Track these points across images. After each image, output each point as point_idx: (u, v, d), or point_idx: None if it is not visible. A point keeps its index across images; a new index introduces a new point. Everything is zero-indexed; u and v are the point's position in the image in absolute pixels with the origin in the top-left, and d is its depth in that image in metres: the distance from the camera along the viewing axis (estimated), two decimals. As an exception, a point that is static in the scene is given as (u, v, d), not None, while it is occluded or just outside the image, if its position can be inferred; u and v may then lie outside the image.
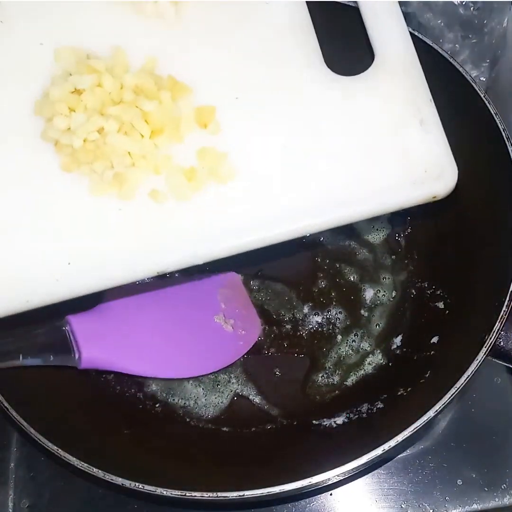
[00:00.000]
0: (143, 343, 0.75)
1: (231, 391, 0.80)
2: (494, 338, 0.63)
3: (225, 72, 0.61)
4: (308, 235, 0.57)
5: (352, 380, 0.80)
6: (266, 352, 0.82)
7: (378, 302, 0.84)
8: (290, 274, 0.87)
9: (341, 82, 0.63)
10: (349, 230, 0.89)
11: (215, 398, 0.80)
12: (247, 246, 0.56)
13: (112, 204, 0.56)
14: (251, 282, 0.86)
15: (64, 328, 0.69)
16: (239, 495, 0.59)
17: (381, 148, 0.59)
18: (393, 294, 0.85)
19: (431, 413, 0.61)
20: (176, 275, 0.85)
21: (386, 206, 0.59)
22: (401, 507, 0.76)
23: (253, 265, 0.87)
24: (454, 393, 0.61)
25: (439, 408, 0.61)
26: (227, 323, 0.80)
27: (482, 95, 0.74)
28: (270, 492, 0.59)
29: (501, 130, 0.72)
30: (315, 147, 0.59)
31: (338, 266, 0.87)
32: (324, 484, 0.63)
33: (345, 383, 0.80)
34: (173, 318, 0.78)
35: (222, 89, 0.61)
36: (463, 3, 0.89)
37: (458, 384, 0.61)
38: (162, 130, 0.58)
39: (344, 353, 0.82)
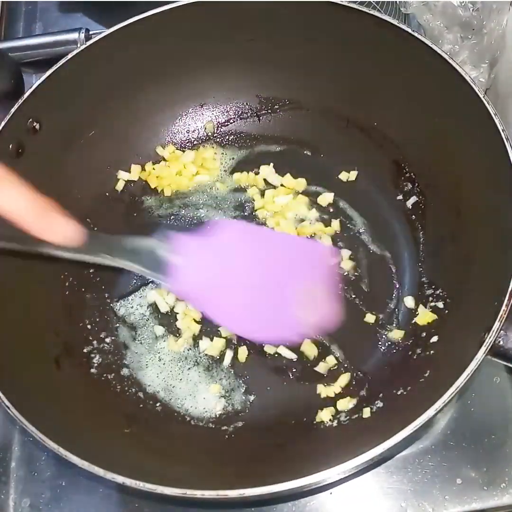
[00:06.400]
0: (233, 287, 0.73)
1: (232, 391, 0.81)
2: (494, 337, 0.63)
3: None
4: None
5: (353, 379, 0.80)
6: (268, 354, 0.83)
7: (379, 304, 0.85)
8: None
9: None
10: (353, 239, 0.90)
11: (216, 397, 0.80)
12: None
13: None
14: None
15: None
16: (240, 494, 0.59)
17: None
18: (394, 294, 0.85)
19: (430, 412, 0.61)
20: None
21: None
22: (401, 506, 0.76)
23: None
24: (453, 392, 0.61)
25: (439, 407, 0.61)
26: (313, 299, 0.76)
27: (481, 96, 0.75)
28: (270, 491, 0.60)
29: (500, 130, 0.72)
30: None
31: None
32: (324, 483, 0.63)
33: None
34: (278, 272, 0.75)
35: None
36: (463, 4, 0.89)
37: (457, 383, 0.61)
38: None
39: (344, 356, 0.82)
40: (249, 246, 0.76)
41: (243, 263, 0.75)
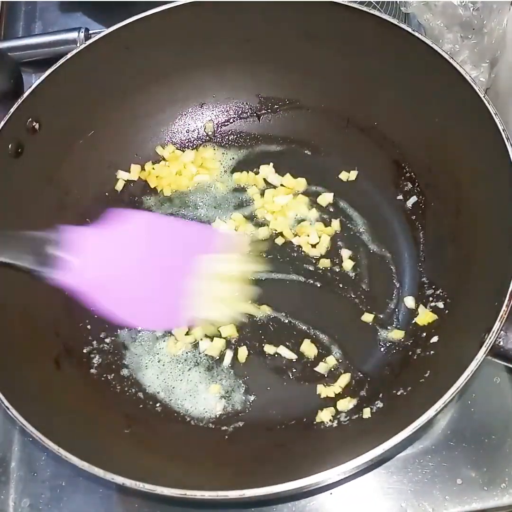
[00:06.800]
0: (123, 276, 0.71)
1: (232, 391, 0.81)
2: (494, 337, 0.63)
3: None
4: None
5: (353, 379, 0.80)
6: (268, 354, 0.83)
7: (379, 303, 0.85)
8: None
9: None
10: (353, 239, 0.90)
11: (216, 398, 0.80)
12: None
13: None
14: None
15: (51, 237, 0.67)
16: (240, 495, 0.59)
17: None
18: (394, 294, 0.85)
19: (431, 413, 0.60)
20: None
21: None
22: (401, 506, 0.76)
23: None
24: (454, 392, 0.61)
25: (439, 407, 0.61)
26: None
27: (481, 96, 0.74)
28: (271, 491, 0.59)
29: (501, 130, 0.72)
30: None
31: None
32: (324, 484, 0.63)
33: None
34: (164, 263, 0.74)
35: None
36: (463, 3, 0.89)
37: (457, 384, 0.61)
38: None
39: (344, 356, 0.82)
40: (143, 236, 0.74)
41: (138, 254, 0.73)
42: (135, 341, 0.85)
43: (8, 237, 0.66)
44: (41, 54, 1.08)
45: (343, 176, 0.94)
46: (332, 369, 0.81)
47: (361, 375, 0.80)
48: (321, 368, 0.81)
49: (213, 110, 0.99)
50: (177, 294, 0.75)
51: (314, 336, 0.83)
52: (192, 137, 1.00)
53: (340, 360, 0.81)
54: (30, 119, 0.83)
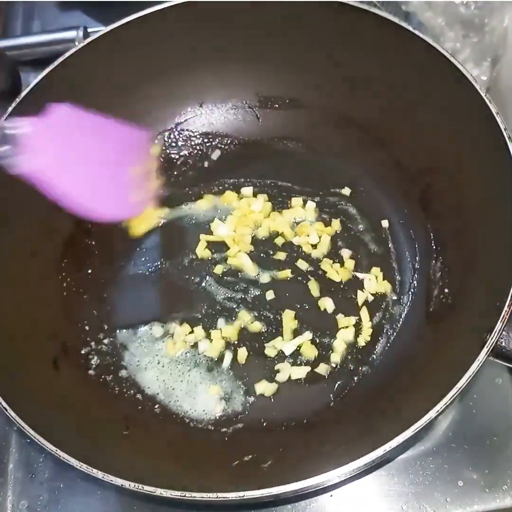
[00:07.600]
0: (77, 165, 0.71)
1: (231, 392, 0.80)
2: (496, 338, 0.62)
3: None
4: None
5: (354, 380, 0.80)
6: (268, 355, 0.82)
7: (379, 302, 0.84)
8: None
9: None
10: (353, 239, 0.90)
11: (215, 399, 0.80)
12: None
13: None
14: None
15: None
16: (239, 496, 0.59)
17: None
18: (395, 295, 0.85)
19: (432, 414, 0.60)
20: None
21: None
22: (402, 508, 0.75)
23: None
24: (455, 393, 0.61)
25: (440, 408, 0.60)
26: (140, 180, 0.78)
27: (483, 94, 0.74)
28: (270, 493, 0.59)
29: (502, 129, 0.71)
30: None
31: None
32: (324, 485, 0.63)
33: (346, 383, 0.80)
34: (104, 152, 0.76)
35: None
36: (464, 2, 0.88)
37: (459, 385, 0.61)
38: None
39: (345, 354, 0.82)
40: (81, 130, 0.75)
41: (80, 146, 0.74)
42: (134, 342, 0.84)
43: None
44: (39, 53, 1.08)
45: (344, 175, 0.94)
46: (332, 370, 0.81)
47: (361, 376, 0.80)
48: (322, 369, 0.81)
49: (212, 109, 0.99)
50: (125, 184, 0.78)
51: (314, 337, 0.83)
52: (190, 136, 0.99)
53: (341, 360, 0.81)
54: (28, 119, 0.83)
